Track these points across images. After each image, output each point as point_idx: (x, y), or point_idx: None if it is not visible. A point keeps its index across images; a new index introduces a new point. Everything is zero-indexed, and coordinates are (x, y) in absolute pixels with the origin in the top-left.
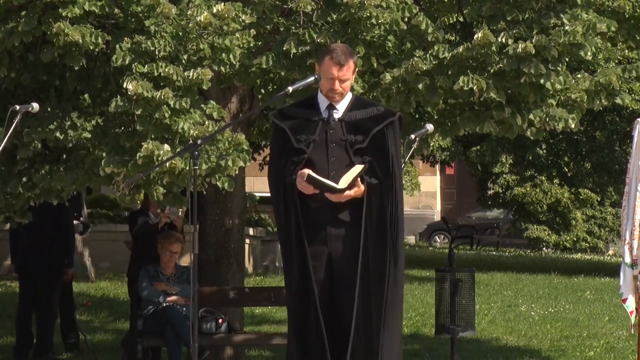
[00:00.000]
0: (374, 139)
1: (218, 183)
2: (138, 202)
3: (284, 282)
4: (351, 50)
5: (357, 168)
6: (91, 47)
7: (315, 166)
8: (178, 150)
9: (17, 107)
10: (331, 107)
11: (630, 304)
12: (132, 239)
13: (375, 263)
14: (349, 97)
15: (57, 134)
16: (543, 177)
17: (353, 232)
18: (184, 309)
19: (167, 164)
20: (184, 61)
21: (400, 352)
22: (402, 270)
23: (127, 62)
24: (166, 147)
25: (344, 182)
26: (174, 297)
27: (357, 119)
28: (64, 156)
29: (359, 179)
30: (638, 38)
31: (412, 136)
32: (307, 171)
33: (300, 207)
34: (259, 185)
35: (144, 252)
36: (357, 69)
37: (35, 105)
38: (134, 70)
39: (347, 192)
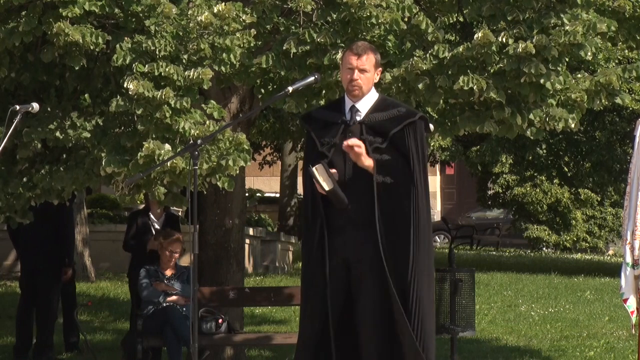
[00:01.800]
0: (393, 141)
1: (218, 183)
2: (138, 202)
3: (301, 280)
4: (373, 47)
5: (314, 172)
6: (91, 47)
7: (335, 169)
8: (179, 150)
9: (17, 107)
10: (354, 109)
11: (632, 304)
12: (124, 241)
13: (399, 264)
14: (373, 97)
15: (57, 134)
16: (543, 177)
17: (369, 236)
18: (184, 309)
19: (169, 164)
20: (184, 61)
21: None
22: (432, 275)
23: (127, 61)
24: (167, 146)
25: (326, 184)
26: (174, 297)
27: (377, 120)
28: (64, 156)
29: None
30: (638, 38)
31: None
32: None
33: (324, 213)
34: (258, 185)
35: (144, 253)
36: (380, 69)
37: (35, 105)
38: (134, 70)
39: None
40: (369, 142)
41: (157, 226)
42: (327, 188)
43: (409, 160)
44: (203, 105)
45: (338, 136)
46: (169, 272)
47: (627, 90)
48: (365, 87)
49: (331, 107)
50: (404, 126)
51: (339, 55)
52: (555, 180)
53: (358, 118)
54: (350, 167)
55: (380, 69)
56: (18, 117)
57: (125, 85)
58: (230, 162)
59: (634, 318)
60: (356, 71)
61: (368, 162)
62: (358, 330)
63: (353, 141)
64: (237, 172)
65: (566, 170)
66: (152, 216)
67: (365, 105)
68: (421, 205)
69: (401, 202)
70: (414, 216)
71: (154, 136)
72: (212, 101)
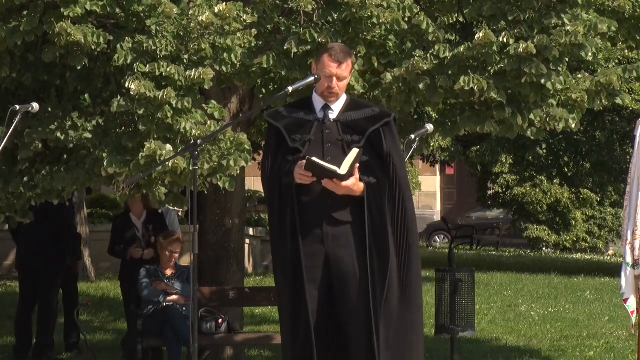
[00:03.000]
0: (370, 140)
1: (219, 183)
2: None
3: (275, 282)
4: (349, 50)
5: (354, 152)
6: (93, 47)
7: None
8: (179, 150)
9: (17, 107)
10: (326, 108)
11: (632, 304)
12: (109, 246)
13: (378, 264)
14: (344, 98)
15: (58, 134)
16: (543, 177)
17: (351, 232)
18: (184, 308)
19: (170, 164)
20: (185, 61)
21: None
22: (417, 272)
23: (129, 61)
24: (168, 147)
25: (344, 168)
26: (174, 297)
27: (353, 119)
28: (65, 156)
29: (357, 173)
30: (638, 38)
31: (412, 136)
32: (307, 157)
33: (297, 206)
34: (258, 185)
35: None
36: (353, 70)
37: (35, 106)
38: (135, 70)
39: (345, 183)
40: (347, 142)
41: (138, 226)
42: (343, 172)
43: (385, 160)
44: (204, 105)
45: (312, 133)
46: (169, 272)
47: (627, 91)
48: (341, 93)
49: (299, 105)
50: (380, 125)
51: None
52: (555, 181)
53: (332, 116)
54: (330, 162)
55: (353, 69)
56: (18, 117)
57: (126, 85)
58: (232, 162)
59: (634, 318)
60: (335, 80)
61: (360, 187)
62: (343, 326)
63: (346, 184)
64: (238, 172)
65: (566, 170)
66: (132, 216)
67: (337, 104)
68: (408, 205)
69: (383, 201)
70: (398, 214)
71: (155, 136)
72: (212, 101)
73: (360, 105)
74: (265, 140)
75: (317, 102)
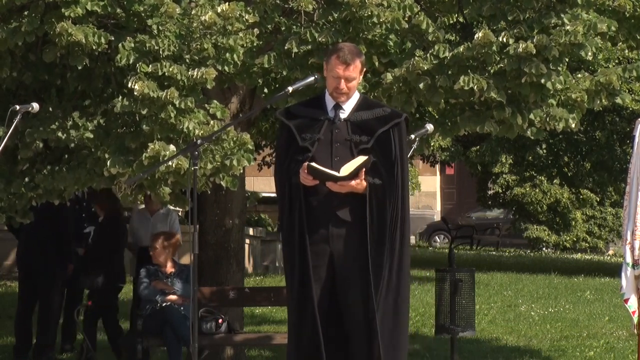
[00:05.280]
0: (379, 140)
1: (222, 182)
2: (139, 202)
3: (285, 280)
4: (358, 50)
5: (361, 159)
6: (94, 47)
7: (319, 165)
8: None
9: (17, 107)
10: (337, 107)
11: (633, 304)
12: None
13: (374, 264)
14: (356, 97)
15: (59, 134)
16: (543, 177)
17: (355, 232)
18: (182, 308)
19: (173, 165)
20: (187, 60)
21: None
22: (406, 274)
23: (131, 61)
24: (172, 147)
25: (345, 170)
26: (172, 297)
27: (363, 119)
28: (66, 156)
29: (363, 173)
30: (638, 37)
31: (412, 136)
32: (307, 163)
33: (304, 206)
34: (258, 185)
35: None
36: (364, 69)
37: (35, 106)
38: (138, 70)
39: (349, 183)
40: (355, 143)
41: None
42: (343, 174)
43: (393, 162)
44: (206, 105)
45: (322, 132)
46: (169, 270)
47: (627, 90)
48: (351, 93)
49: (311, 104)
50: (390, 127)
51: None
52: (555, 181)
53: (342, 115)
54: (338, 162)
55: (364, 68)
56: (18, 117)
57: (130, 86)
58: (235, 162)
59: (635, 318)
60: (343, 81)
61: (363, 185)
62: (345, 319)
63: (349, 184)
64: (241, 171)
65: (566, 170)
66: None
67: (348, 103)
68: (405, 207)
69: (385, 203)
70: (395, 216)
71: (158, 136)
72: (215, 101)
73: (371, 105)
74: (277, 138)
75: (329, 101)
